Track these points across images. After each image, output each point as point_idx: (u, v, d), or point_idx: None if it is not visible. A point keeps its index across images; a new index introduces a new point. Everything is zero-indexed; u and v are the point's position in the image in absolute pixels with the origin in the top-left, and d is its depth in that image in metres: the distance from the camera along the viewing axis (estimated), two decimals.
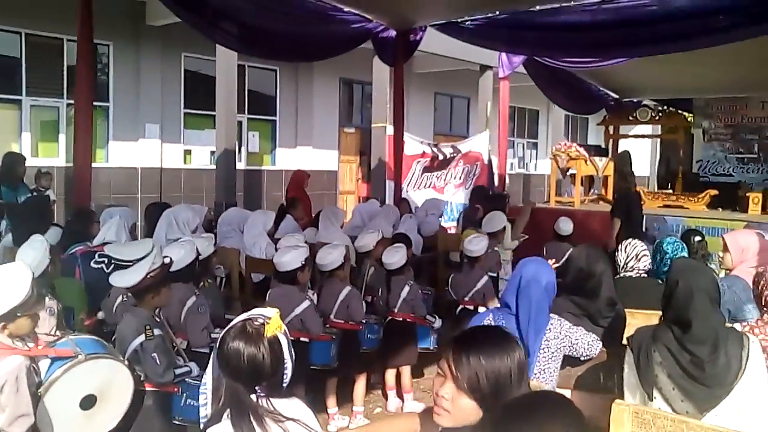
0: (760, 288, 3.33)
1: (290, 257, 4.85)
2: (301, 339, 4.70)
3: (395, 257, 5.60)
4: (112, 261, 4.38)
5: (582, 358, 3.38)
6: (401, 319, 5.56)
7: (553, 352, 3.22)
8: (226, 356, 2.19)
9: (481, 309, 4.19)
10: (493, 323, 3.29)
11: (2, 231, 6.99)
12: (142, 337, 3.53)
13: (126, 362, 3.26)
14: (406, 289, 5.55)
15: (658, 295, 4.30)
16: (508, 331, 2.10)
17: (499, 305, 3.50)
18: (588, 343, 3.34)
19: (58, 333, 3.36)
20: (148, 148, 12.98)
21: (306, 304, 4.81)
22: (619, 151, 13.27)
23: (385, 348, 5.54)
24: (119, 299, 3.97)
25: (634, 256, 4.49)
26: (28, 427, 2.74)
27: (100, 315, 3.50)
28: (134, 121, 12.81)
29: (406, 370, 5.63)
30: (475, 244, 6.03)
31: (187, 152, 13.85)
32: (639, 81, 11.82)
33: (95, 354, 3.06)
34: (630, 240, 4.68)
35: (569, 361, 3.39)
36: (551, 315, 3.36)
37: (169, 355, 3.65)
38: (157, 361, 3.50)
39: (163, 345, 3.61)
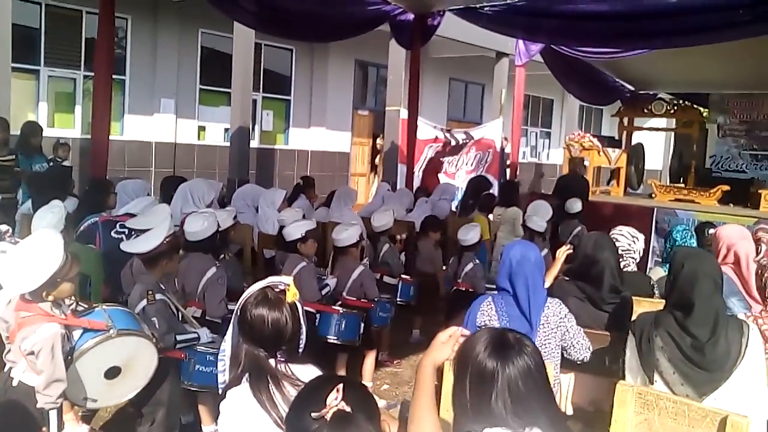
0: (763, 280, 3.38)
1: (293, 228, 5.07)
2: (307, 309, 4.78)
3: (470, 234, 6.21)
4: (133, 232, 4.46)
5: (576, 360, 3.43)
6: (464, 288, 6.07)
7: (552, 329, 3.30)
8: (250, 322, 2.27)
9: None
10: (493, 305, 3.37)
11: (20, 199, 7.10)
12: (144, 302, 3.64)
13: (154, 339, 3.35)
14: (470, 265, 6.16)
15: (647, 289, 4.38)
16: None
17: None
18: (579, 342, 3.37)
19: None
20: (162, 123, 13.06)
21: (302, 264, 4.93)
22: (633, 143, 13.30)
23: (451, 314, 5.92)
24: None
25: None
26: (62, 391, 2.85)
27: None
28: (150, 96, 12.88)
29: None
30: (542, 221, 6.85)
31: (201, 128, 13.91)
32: (655, 74, 11.78)
33: (126, 330, 3.17)
34: (620, 228, 4.71)
35: (565, 363, 3.46)
36: (553, 298, 3.43)
37: (170, 321, 3.73)
38: (156, 325, 3.58)
39: (164, 310, 3.70)
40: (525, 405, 1.87)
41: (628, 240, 4.56)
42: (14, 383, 2.90)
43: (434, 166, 11.32)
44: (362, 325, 5.07)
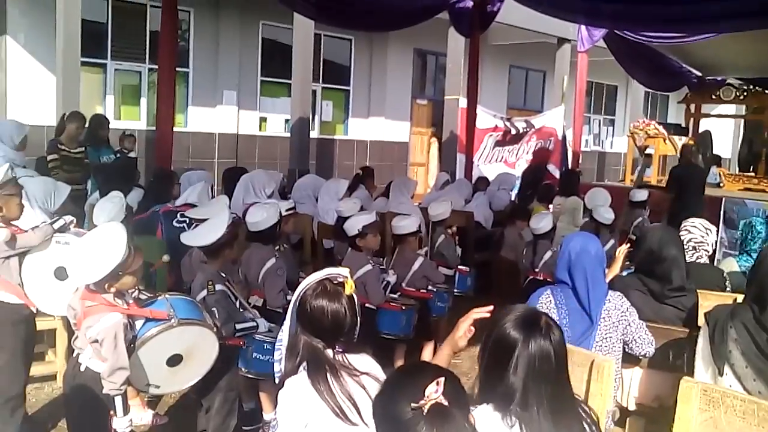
0: None
1: (351, 223, 5.01)
2: (367, 305, 4.78)
3: (542, 222, 6.13)
4: (193, 221, 4.55)
5: (639, 355, 3.34)
6: (542, 278, 5.90)
7: (614, 322, 3.20)
8: (309, 314, 2.29)
9: None
10: (552, 298, 3.31)
11: (89, 190, 7.33)
12: (204, 292, 3.71)
13: (214, 329, 3.41)
14: (549, 254, 5.99)
15: (719, 282, 4.23)
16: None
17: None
18: (642, 336, 3.27)
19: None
20: (225, 114, 13.29)
21: (368, 267, 4.91)
22: (701, 130, 12.89)
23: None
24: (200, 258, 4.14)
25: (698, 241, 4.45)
26: (125, 378, 2.94)
27: (165, 258, 3.68)
28: (212, 88, 13.13)
29: None
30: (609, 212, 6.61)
31: (263, 119, 14.11)
32: (724, 58, 11.36)
33: (187, 320, 3.21)
34: (693, 220, 4.60)
35: (628, 358, 3.37)
36: (614, 291, 3.34)
37: (229, 310, 3.79)
38: (216, 315, 3.63)
39: (224, 300, 3.76)
40: (536, 386, 1.95)
41: (701, 232, 4.45)
42: (82, 368, 3.01)
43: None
44: (416, 316, 5.07)
